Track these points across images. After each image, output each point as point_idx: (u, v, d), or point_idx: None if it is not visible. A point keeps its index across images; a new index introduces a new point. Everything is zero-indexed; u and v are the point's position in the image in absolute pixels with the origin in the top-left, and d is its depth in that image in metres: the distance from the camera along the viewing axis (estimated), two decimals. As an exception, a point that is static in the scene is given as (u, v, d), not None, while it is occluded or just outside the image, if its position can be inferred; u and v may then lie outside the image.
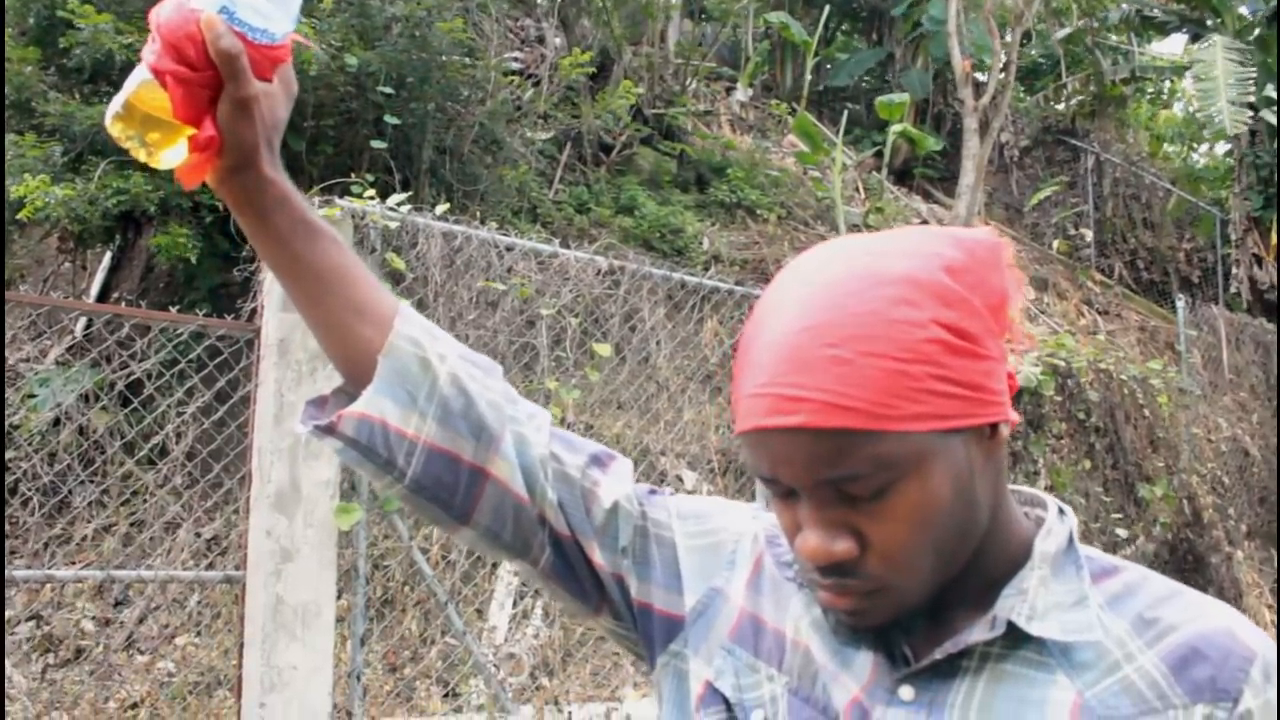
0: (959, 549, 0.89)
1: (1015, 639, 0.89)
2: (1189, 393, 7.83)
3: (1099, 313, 12.45)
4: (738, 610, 1.02)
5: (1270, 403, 8.91)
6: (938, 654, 0.90)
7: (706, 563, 1.06)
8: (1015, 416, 0.91)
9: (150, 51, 0.93)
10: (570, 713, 4.29)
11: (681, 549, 1.06)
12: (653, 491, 1.11)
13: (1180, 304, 8.24)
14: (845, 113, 11.69)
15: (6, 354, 6.08)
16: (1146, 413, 7.36)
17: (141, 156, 0.95)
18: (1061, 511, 0.98)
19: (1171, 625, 0.90)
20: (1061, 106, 16.10)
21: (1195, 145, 18.68)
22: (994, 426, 0.88)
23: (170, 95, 0.92)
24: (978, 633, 0.89)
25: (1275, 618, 7.12)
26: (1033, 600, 0.89)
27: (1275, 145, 12.79)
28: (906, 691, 0.91)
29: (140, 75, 0.94)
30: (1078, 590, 0.92)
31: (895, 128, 10.77)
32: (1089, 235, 13.74)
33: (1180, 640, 0.89)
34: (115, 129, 0.94)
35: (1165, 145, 18.03)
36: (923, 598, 0.90)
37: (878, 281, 0.84)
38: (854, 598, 0.88)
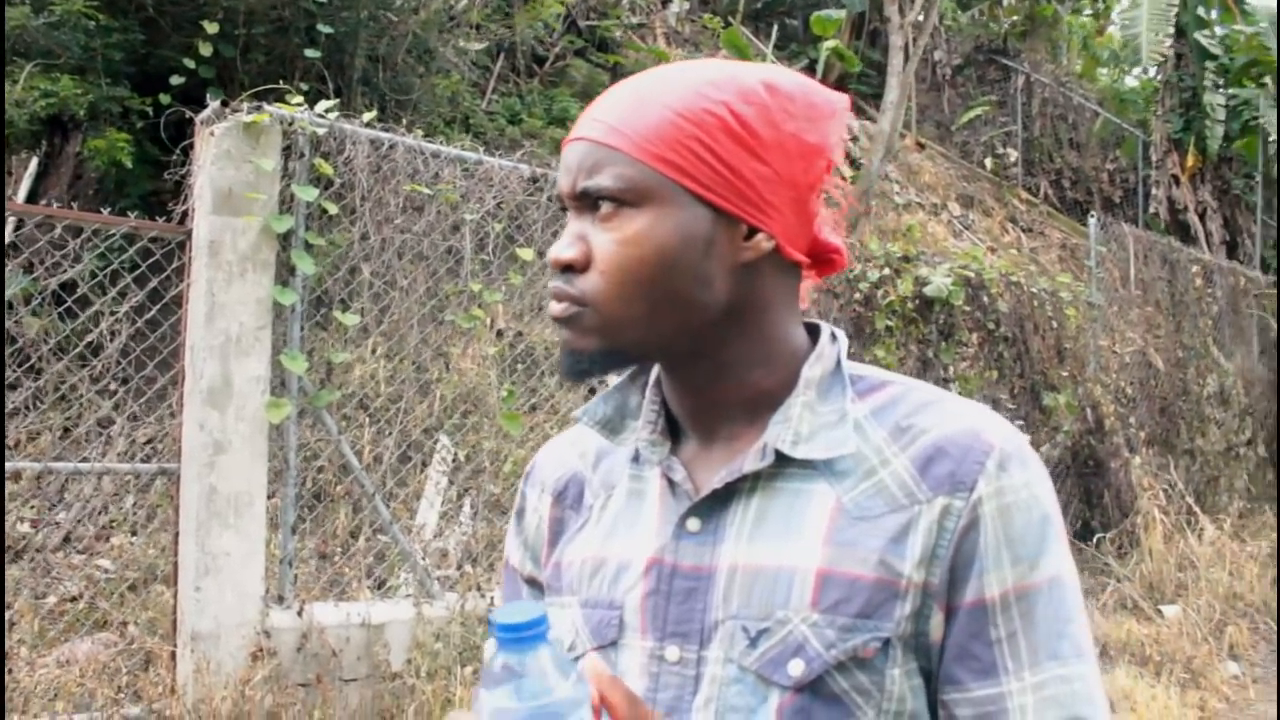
0: (674, 313, 0.96)
1: (784, 460, 0.97)
2: (1096, 306, 8.17)
3: (1023, 230, 12.80)
4: (546, 578, 1.12)
5: (1174, 317, 9.31)
6: (716, 483, 0.98)
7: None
8: (799, 257, 0.99)
9: None
10: (492, 598, 4.52)
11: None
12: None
13: (1092, 221, 8.55)
14: (776, 27, 11.75)
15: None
16: (1054, 324, 7.69)
17: None
18: (834, 337, 1.05)
19: (923, 429, 0.97)
20: (995, 26, 16.27)
21: (1128, 69, 18.93)
22: (753, 232, 0.96)
23: None
24: (750, 462, 0.97)
25: (1166, 519, 7.56)
26: (797, 426, 0.97)
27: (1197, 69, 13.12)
28: (693, 523, 0.99)
29: None
30: (840, 409, 0.99)
31: (828, 44, 10.89)
32: (1014, 155, 14.05)
33: (928, 442, 0.96)
34: None
35: (1100, 68, 18.26)
36: (630, 343, 0.97)
37: (705, 68, 0.97)
38: (565, 303, 0.97)
